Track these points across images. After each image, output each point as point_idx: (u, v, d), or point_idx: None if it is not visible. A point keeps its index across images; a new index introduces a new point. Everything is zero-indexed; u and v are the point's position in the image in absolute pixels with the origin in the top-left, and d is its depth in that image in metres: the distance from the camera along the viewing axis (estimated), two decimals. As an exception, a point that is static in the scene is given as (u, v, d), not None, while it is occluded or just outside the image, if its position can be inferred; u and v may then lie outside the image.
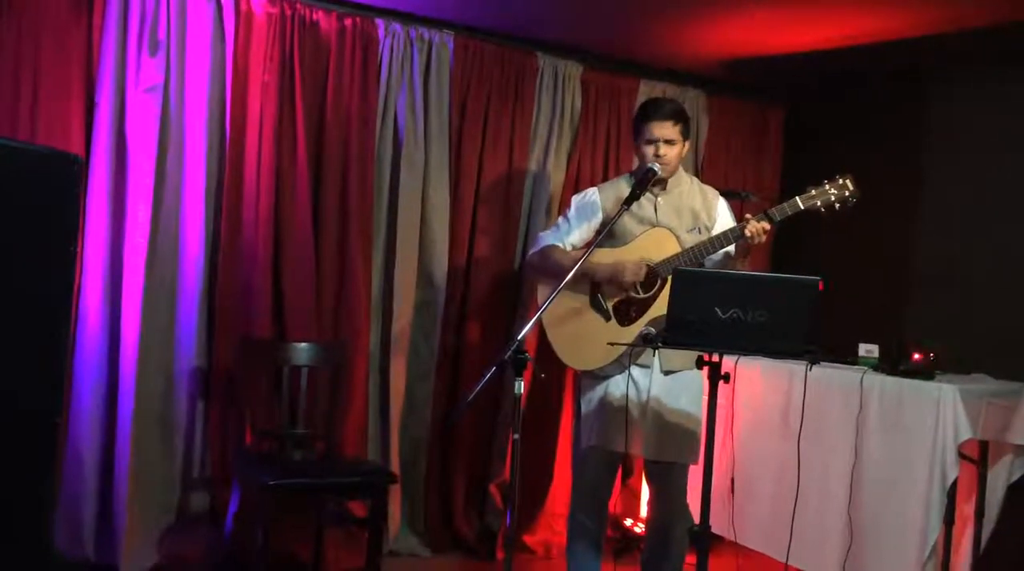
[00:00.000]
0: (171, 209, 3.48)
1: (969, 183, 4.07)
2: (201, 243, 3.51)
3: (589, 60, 4.24)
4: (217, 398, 3.56)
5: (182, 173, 3.49)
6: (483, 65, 4.00)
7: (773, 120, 4.78)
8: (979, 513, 3.26)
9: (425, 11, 3.81)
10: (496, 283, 4.09)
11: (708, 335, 2.46)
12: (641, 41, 4.07)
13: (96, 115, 3.33)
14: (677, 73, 4.46)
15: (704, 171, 4.53)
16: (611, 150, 4.32)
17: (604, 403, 2.98)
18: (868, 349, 3.46)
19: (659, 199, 3.02)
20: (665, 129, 2.93)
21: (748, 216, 2.87)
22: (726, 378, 2.58)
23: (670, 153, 2.94)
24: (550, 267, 3.04)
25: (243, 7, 3.50)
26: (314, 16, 3.65)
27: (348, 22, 3.71)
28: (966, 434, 3.01)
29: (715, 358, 2.57)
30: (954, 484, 3.06)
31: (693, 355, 2.64)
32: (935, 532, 3.02)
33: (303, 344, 3.51)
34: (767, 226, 2.85)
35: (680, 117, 2.97)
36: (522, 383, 2.39)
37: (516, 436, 2.39)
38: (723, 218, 3.06)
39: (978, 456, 3.25)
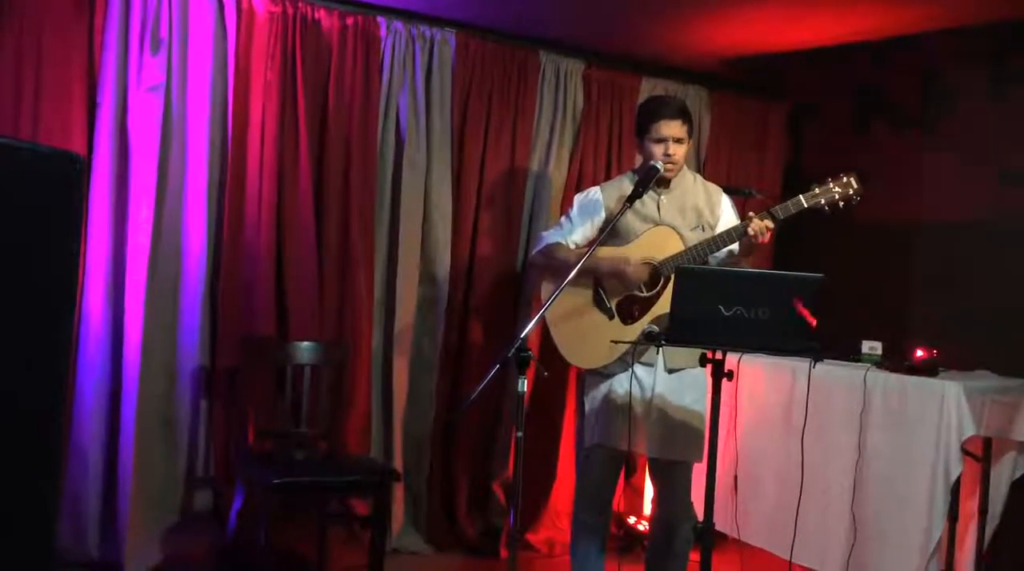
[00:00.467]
0: (173, 208, 3.48)
1: (975, 179, 4.06)
2: (203, 242, 3.51)
3: (591, 58, 4.23)
4: (220, 397, 3.56)
5: (184, 172, 3.49)
6: (485, 63, 3.99)
7: (775, 117, 4.78)
8: (983, 510, 3.26)
9: (427, 9, 3.81)
10: (498, 281, 4.09)
11: (711, 333, 2.46)
12: (643, 38, 4.07)
13: (98, 114, 3.33)
14: (679, 70, 4.45)
15: (706, 168, 4.52)
16: (613, 147, 4.31)
17: (608, 401, 2.97)
18: (871, 346, 3.45)
19: (662, 197, 3.02)
20: (674, 128, 2.91)
21: (751, 214, 2.86)
22: (729, 376, 2.58)
23: (679, 152, 2.93)
24: (554, 265, 3.04)
25: (244, 5, 3.50)
26: (316, 15, 3.65)
27: (350, 20, 3.71)
28: (969, 431, 3.01)
29: (718, 356, 2.56)
30: (957, 481, 3.06)
31: (697, 353, 2.64)
32: (939, 529, 3.02)
33: (306, 343, 3.51)
34: (770, 225, 2.84)
35: (687, 115, 2.96)
36: (525, 381, 2.39)
37: (519, 434, 2.39)
38: (727, 215, 3.05)
39: (981, 453, 3.25)
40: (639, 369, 2.95)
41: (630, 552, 4.03)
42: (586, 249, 2.85)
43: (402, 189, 3.87)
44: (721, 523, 3.36)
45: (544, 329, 3.17)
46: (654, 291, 2.94)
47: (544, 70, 4.14)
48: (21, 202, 1.67)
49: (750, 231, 2.83)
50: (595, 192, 3.12)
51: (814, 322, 2.39)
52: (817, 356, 2.54)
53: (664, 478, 3.03)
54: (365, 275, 3.79)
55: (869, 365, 3.33)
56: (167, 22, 3.39)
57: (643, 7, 3.64)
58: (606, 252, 2.97)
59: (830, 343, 2.62)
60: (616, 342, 2.87)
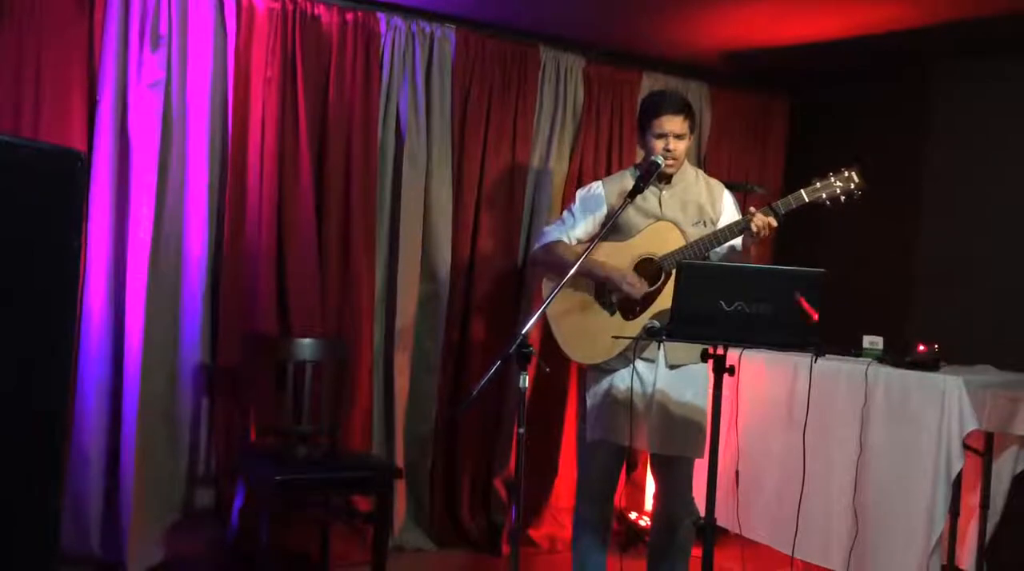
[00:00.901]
0: (174, 205, 3.48)
1: (974, 174, 4.06)
2: (204, 239, 3.51)
3: (591, 53, 4.23)
4: (221, 394, 3.56)
5: (185, 169, 3.48)
6: (485, 59, 3.99)
7: (776, 112, 4.77)
8: (984, 504, 3.26)
9: (427, 5, 3.81)
10: (500, 277, 4.09)
11: (712, 328, 2.46)
12: (643, 34, 4.06)
13: (98, 111, 3.33)
14: (680, 65, 4.45)
15: (707, 164, 4.52)
16: (614, 143, 4.31)
17: (609, 397, 2.97)
18: (873, 341, 3.45)
19: (664, 193, 3.01)
20: (675, 123, 2.90)
21: (752, 209, 2.86)
22: (731, 371, 2.57)
23: (680, 147, 2.92)
24: (554, 262, 3.04)
25: (244, 2, 3.50)
26: (315, 11, 3.64)
27: (349, 16, 3.70)
28: (971, 425, 3.01)
29: (719, 351, 2.56)
30: (959, 475, 3.06)
31: (698, 348, 2.64)
32: (940, 524, 3.02)
33: (307, 340, 3.51)
34: (773, 222, 2.83)
35: (689, 110, 2.95)
36: (526, 377, 2.39)
37: (521, 430, 2.39)
38: (728, 211, 3.04)
39: (983, 447, 3.25)
40: (640, 365, 2.95)
41: (631, 547, 4.04)
42: (587, 245, 2.84)
43: (402, 185, 3.87)
44: (723, 518, 3.36)
45: (545, 325, 3.17)
46: (655, 286, 2.94)
47: (544, 66, 4.13)
48: (22, 200, 1.67)
49: (752, 227, 2.82)
50: (597, 187, 3.12)
51: (815, 316, 2.39)
52: (818, 351, 2.54)
53: (665, 474, 3.03)
54: (366, 272, 3.78)
55: (870, 360, 3.33)
56: (167, 18, 3.39)
57: (644, 2, 3.63)
58: (606, 250, 2.96)
59: (831, 338, 2.62)
60: (617, 338, 2.87)
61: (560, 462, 4.17)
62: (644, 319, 2.94)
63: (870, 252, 4.35)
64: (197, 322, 3.51)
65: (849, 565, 3.21)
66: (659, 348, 2.94)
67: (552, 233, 3.13)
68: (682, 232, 2.95)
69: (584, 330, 3.00)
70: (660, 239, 2.95)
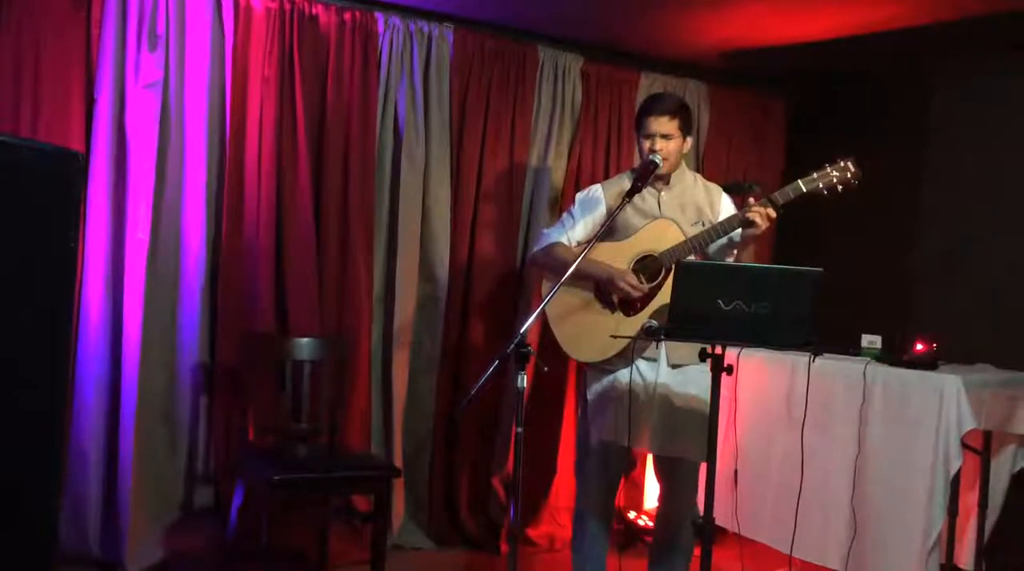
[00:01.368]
0: (172, 205, 3.48)
1: (972, 172, 4.06)
2: (202, 238, 3.50)
3: (589, 52, 4.23)
4: (220, 393, 3.56)
5: (183, 169, 3.48)
6: (483, 58, 3.99)
7: (775, 111, 4.77)
8: (983, 503, 3.27)
9: (424, 4, 3.80)
10: (498, 276, 4.09)
11: (711, 327, 2.46)
12: (641, 32, 4.06)
13: (96, 111, 3.32)
14: (678, 64, 4.45)
15: (705, 162, 4.52)
16: (612, 142, 4.31)
17: (610, 397, 2.97)
18: (871, 340, 3.45)
19: (662, 194, 3.02)
20: (662, 124, 2.93)
21: (751, 201, 2.87)
22: (729, 370, 2.57)
23: (666, 147, 2.94)
24: (553, 264, 3.04)
25: (242, 2, 3.50)
26: (313, 10, 3.64)
27: (347, 16, 3.70)
28: (969, 424, 3.01)
29: (718, 350, 2.56)
30: (957, 474, 3.06)
31: (699, 348, 2.64)
32: (939, 523, 3.02)
33: (305, 339, 3.51)
34: (771, 212, 2.84)
35: (678, 112, 2.96)
36: (525, 376, 2.39)
37: (519, 429, 2.39)
38: (727, 213, 3.04)
39: (981, 446, 3.25)
40: (642, 364, 2.95)
41: (630, 547, 4.04)
42: (583, 248, 2.84)
43: (401, 184, 3.87)
44: (721, 518, 3.36)
45: (544, 325, 3.17)
46: (655, 282, 2.94)
47: (542, 65, 4.13)
48: (19, 199, 1.67)
49: (750, 218, 2.83)
50: (596, 190, 3.13)
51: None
52: (817, 350, 2.54)
53: (669, 475, 3.03)
54: (364, 271, 3.78)
55: (869, 359, 3.33)
56: (164, 18, 3.39)
57: (642, 1, 3.63)
58: (605, 250, 2.96)
59: (830, 337, 2.62)
60: (616, 336, 2.87)
61: (559, 461, 4.17)
62: (644, 316, 2.94)
63: (869, 251, 4.35)
64: (195, 321, 3.51)
65: (848, 564, 3.21)
66: (657, 347, 2.94)
67: (551, 235, 3.13)
68: (681, 229, 2.95)
69: (584, 328, 3.00)
70: (659, 235, 2.96)
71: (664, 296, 2.89)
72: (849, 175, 2.89)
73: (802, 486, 3.02)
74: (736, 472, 3.32)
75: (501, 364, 2.36)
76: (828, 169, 2.90)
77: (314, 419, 3.50)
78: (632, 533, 4.19)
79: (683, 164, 3.08)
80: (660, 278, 2.93)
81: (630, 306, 2.96)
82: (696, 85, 4.50)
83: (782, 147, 4.80)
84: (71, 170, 1.73)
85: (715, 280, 2.48)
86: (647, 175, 2.88)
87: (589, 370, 3.08)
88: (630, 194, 2.81)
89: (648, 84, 4.33)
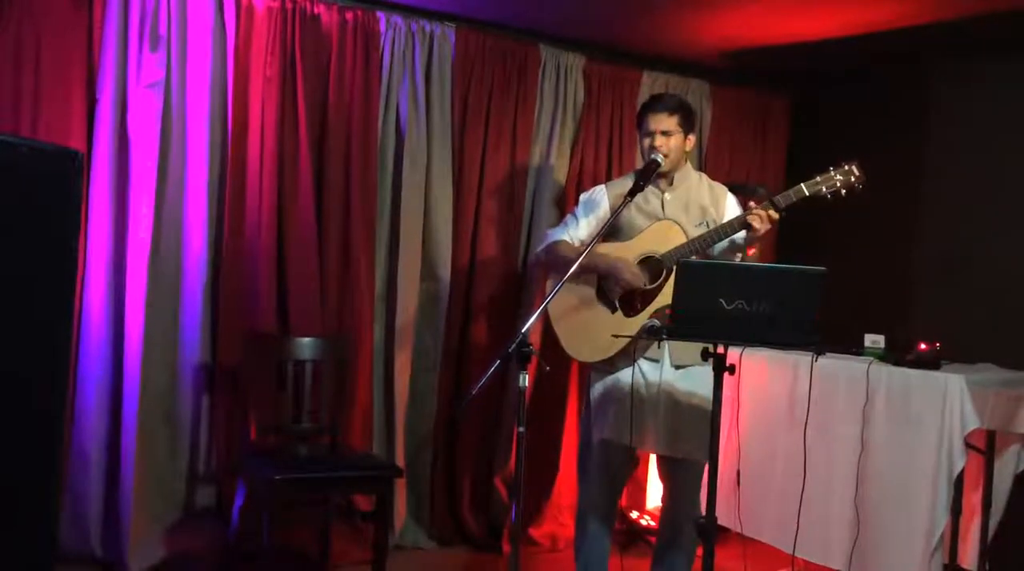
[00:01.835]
0: (174, 205, 3.47)
1: (975, 172, 4.04)
2: (204, 238, 3.50)
3: (591, 51, 4.22)
4: (222, 393, 3.56)
5: (184, 168, 3.48)
6: (485, 57, 3.98)
7: (777, 110, 4.77)
8: (986, 503, 3.25)
9: (426, 4, 3.80)
10: (500, 275, 4.09)
11: (713, 326, 2.45)
12: (643, 31, 4.05)
13: (97, 111, 3.32)
14: (680, 64, 4.44)
15: (707, 161, 4.51)
16: (614, 141, 4.30)
17: (613, 397, 2.97)
18: (874, 340, 3.44)
19: (666, 194, 3.02)
20: (661, 121, 2.94)
21: (752, 204, 2.86)
22: (731, 370, 2.57)
23: (666, 144, 2.94)
24: (556, 262, 3.04)
25: (244, 1, 3.50)
26: (315, 10, 3.64)
27: (349, 15, 3.70)
28: (973, 424, 3.00)
29: (720, 349, 2.56)
30: (961, 474, 3.05)
31: (702, 348, 2.63)
32: (942, 523, 3.01)
33: (307, 339, 3.51)
34: (772, 213, 2.83)
35: (678, 109, 2.96)
36: (526, 376, 2.39)
37: (521, 429, 2.39)
38: (731, 213, 3.04)
39: (985, 446, 3.24)
40: (645, 365, 2.94)
41: (632, 546, 4.03)
42: (586, 246, 2.84)
43: (402, 184, 3.86)
44: (724, 517, 3.36)
45: (546, 324, 3.16)
46: (656, 283, 2.94)
47: (544, 64, 4.13)
48: (20, 199, 1.67)
49: (750, 219, 2.82)
50: (600, 190, 3.14)
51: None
52: (819, 350, 2.53)
53: (673, 476, 3.03)
54: (366, 270, 3.78)
55: (872, 358, 3.32)
56: (166, 18, 3.39)
57: (644, 0, 3.62)
58: (608, 249, 2.96)
59: (832, 337, 2.61)
60: (617, 336, 2.87)
61: (561, 461, 4.16)
62: (645, 317, 2.93)
63: (871, 250, 4.34)
64: (197, 321, 3.51)
65: (851, 564, 3.20)
66: (659, 347, 2.93)
67: (555, 235, 3.14)
68: (684, 230, 2.95)
69: (585, 328, 3.00)
70: (662, 237, 2.95)
71: (665, 297, 2.89)
72: (853, 179, 2.87)
73: (805, 486, 3.01)
74: (739, 472, 3.31)
75: (503, 364, 2.36)
76: (832, 172, 2.88)
77: (316, 419, 3.50)
78: (634, 533, 4.18)
79: (688, 163, 3.08)
80: (661, 279, 2.93)
81: (631, 307, 2.96)
82: (699, 84, 4.50)
83: (784, 146, 4.79)
84: (70, 169, 1.73)
85: (717, 279, 2.48)
86: (649, 174, 2.88)
87: (592, 370, 3.07)
88: (632, 193, 2.80)
89: (650, 83, 4.32)
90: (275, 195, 3.60)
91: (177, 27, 3.41)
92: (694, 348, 2.83)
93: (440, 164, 3.93)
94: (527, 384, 2.40)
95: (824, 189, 2.88)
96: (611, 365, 2.98)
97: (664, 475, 3.09)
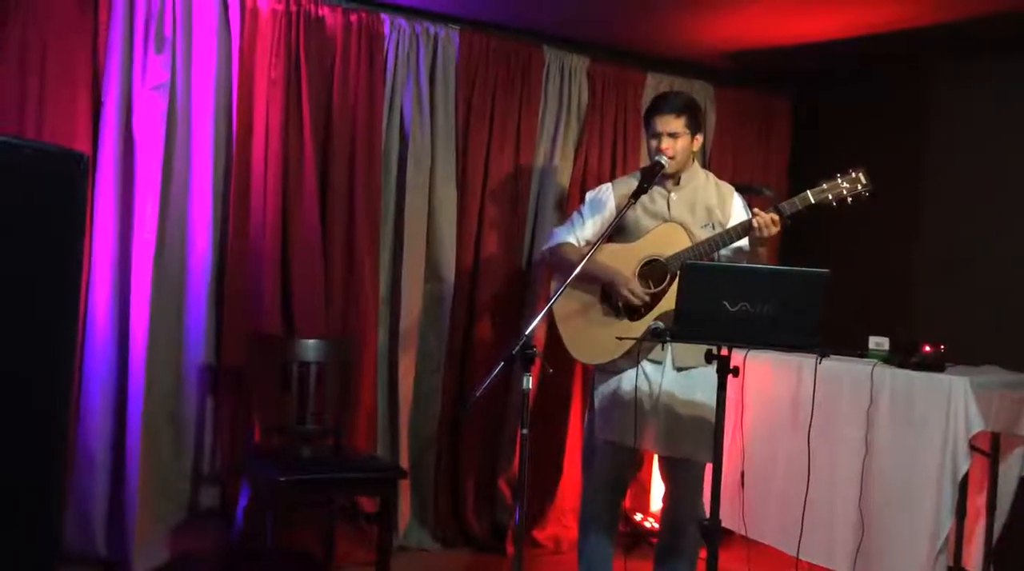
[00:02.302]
0: (179, 206, 3.48)
1: (978, 173, 4.04)
2: (209, 240, 3.51)
3: (595, 53, 4.22)
4: (226, 394, 3.57)
5: (189, 170, 3.49)
6: (489, 59, 3.99)
7: (781, 111, 4.76)
8: (991, 506, 3.25)
9: (430, 6, 3.81)
10: (504, 277, 4.09)
11: (717, 329, 2.45)
12: (646, 33, 4.05)
13: (103, 113, 3.33)
14: (684, 65, 4.44)
15: (711, 163, 4.51)
16: (619, 143, 4.30)
17: (616, 398, 2.97)
18: (878, 342, 3.44)
19: (672, 194, 3.01)
20: (668, 123, 2.93)
21: (756, 210, 2.86)
22: (735, 372, 2.57)
23: (673, 146, 2.93)
24: (560, 264, 3.04)
25: (248, 4, 3.50)
26: (319, 12, 3.64)
27: (353, 18, 3.70)
28: (977, 426, 2.99)
29: (724, 352, 2.55)
30: (965, 477, 3.05)
31: (705, 350, 2.63)
32: (947, 525, 3.01)
33: (311, 340, 3.51)
34: (775, 217, 2.82)
35: (686, 110, 2.95)
36: (530, 378, 2.39)
37: (524, 431, 2.39)
38: (738, 214, 3.03)
39: (989, 448, 3.23)
40: (648, 366, 2.94)
41: (636, 549, 4.03)
42: (590, 248, 2.84)
43: (407, 186, 3.87)
44: (728, 520, 3.36)
45: (550, 326, 3.16)
46: (661, 287, 2.93)
47: (548, 66, 4.13)
48: (24, 201, 1.68)
49: (755, 225, 2.82)
50: (606, 189, 3.13)
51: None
52: (823, 352, 2.53)
53: (674, 476, 3.02)
54: (370, 272, 3.78)
55: (876, 361, 3.32)
56: (171, 21, 3.40)
57: (647, 1, 3.62)
58: (613, 250, 2.96)
59: (836, 339, 2.61)
60: (621, 338, 2.87)
61: (565, 463, 4.16)
62: (649, 320, 2.93)
63: (874, 252, 4.33)
64: (202, 323, 3.51)
65: (855, 567, 3.20)
66: (663, 349, 2.93)
67: (560, 234, 3.14)
68: (689, 233, 2.95)
69: (589, 331, 3.00)
70: (666, 240, 2.95)
71: (668, 301, 2.88)
72: (860, 187, 2.85)
73: (809, 488, 3.01)
74: (743, 474, 3.31)
75: (506, 366, 2.36)
76: (838, 179, 2.86)
77: (320, 420, 3.50)
78: (638, 535, 4.18)
79: (695, 163, 3.07)
80: (665, 283, 2.93)
81: (634, 311, 2.96)
82: (702, 85, 4.50)
83: (787, 147, 4.78)
84: (75, 171, 1.73)
85: (721, 282, 2.47)
86: (653, 176, 2.88)
87: (596, 372, 3.07)
88: (636, 195, 2.80)
89: (654, 84, 4.32)
90: (279, 197, 3.60)
91: (182, 29, 3.42)
92: (697, 350, 2.83)
93: (444, 166, 3.93)
94: (531, 386, 2.40)
95: (830, 196, 2.85)
96: (615, 367, 2.98)
97: (666, 476, 3.09)
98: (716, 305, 2.42)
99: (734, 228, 2.89)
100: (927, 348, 3.23)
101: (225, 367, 3.55)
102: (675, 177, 3.01)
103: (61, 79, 3.23)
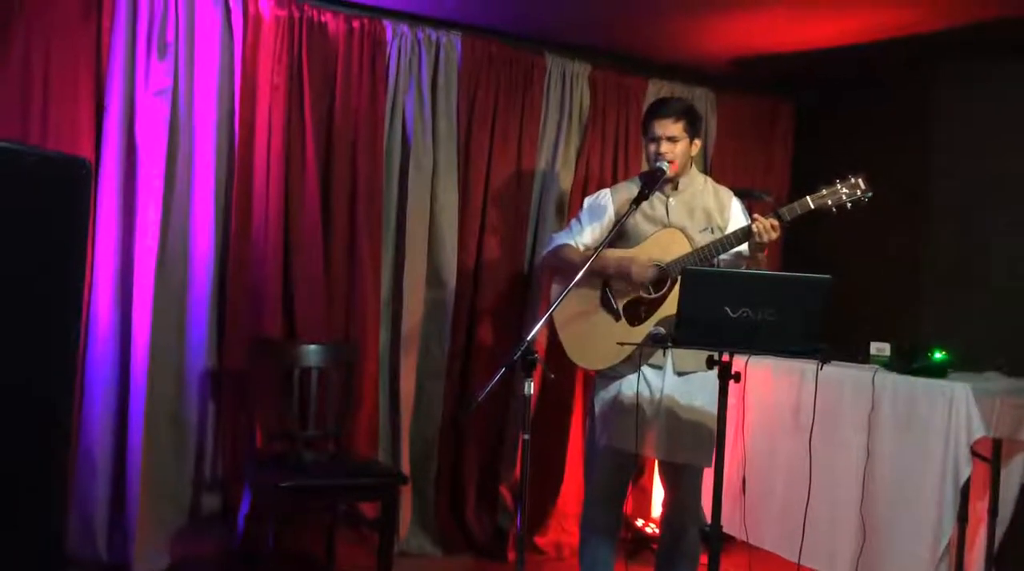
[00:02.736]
0: (181, 212, 3.49)
1: (980, 178, 4.04)
2: (211, 245, 3.52)
3: (597, 59, 4.23)
4: (228, 399, 3.57)
5: (192, 176, 3.50)
6: (491, 65, 4.00)
7: (782, 117, 4.77)
8: (992, 512, 3.25)
9: (433, 12, 3.82)
10: (506, 282, 4.09)
11: (718, 334, 2.45)
12: (648, 39, 4.06)
13: (106, 118, 3.34)
14: (685, 71, 4.45)
15: (713, 169, 4.51)
16: (620, 149, 4.31)
17: (617, 403, 2.97)
18: (880, 347, 3.44)
19: (671, 199, 3.02)
20: (666, 127, 2.93)
21: (756, 215, 2.86)
22: (736, 378, 2.57)
23: (671, 150, 2.93)
24: (562, 266, 3.04)
25: (251, 10, 3.51)
26: (322, 18, 3.65)
27: (356, 24, 3.71)
28: (979, 432, 2.99)
29: (725, 357, 2.55)
30: (967, 482, 3.04)
31: (706, 355, 2.63)
32: (948, 531, 3.00)
33: (313, 345, 3.52)
34: (775, 222, 2.83)
35: (684, 114, 2.96)
36: (531, 383, 2.39)
37: (526, 437, 2.39)
38: (736, 218, 3.03)
39: (991, 454, 3.23)
40: (648, 371, 2.94)
41: (638, 555, 4.02)
42: (594, 251, 2.85)
43: (409, 191, 3.87)
44: (729, 525, 3.34)
45: (551, 331, 3.17)
46: (661, 292, 2.94)
47: (550, 72, 4.14)
48: (28, 206, 1.68)
49: (754, 230, 2.82)
50: (605, 195, 3.14)
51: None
52: (825, 357, 2.52)
53: (673, 481, 3.02)
54: (372, 277, 3.79)
55: (877, 366, 3.32)
56: (174, 26, 3.41)
57: (648, 7, 3.63)
58: (614, 253, 2.96)
59: (838, 344, 2.61)
60: (622, 344, 2.87)
61: (566, 468, 4.16)
62: (649, 325, 2.93)
63: (877, 258, 4.33)
64: (204, 327, 3.52)
65: (856, 572, 3.20)
66: (664, 354, 2.93)
67: (560, 239, 3.14)
68: (688, 239, 2.95)
69: (589, 336, 3.00)
70: (666, 246, 2.95)
71: (669, 306, 2.89)
72: (859, 193, 2.85)
73: (810, 493, 3.01)
74: (744, 480, 3.30)
75: (508, 371, 2.36)
76: (838, 185, 2.86)
77: (321, 425, 3.50)
78: (640, 541, 4.17)
79: (693, 167, 3.08)
80: (666, 289, 2.93)
81: (635, 316, 2.96)
82: (703, 92, 4.50)
83: (789, 153, 4.79)
84: (77, 177, 1.73)
85: (722, 287, 2.47)
86: (654, 182, 2.88)
87: (597, 377, 3.08)
88: (637, 201, 2.80)
89: (656, 91, 4.32)
90: (282, 202, 3.61)
91: (185, 35, 3.43)
92: (697, 355, 2.84)
93: (446, 171, 3.94)
94: (533, 391, 2.40)
95: (830, 202, 2.85)
96: (615, 372, 2.98)
97: (665, 481, 3.09)
98: (718, 311, 2.42)
99: (734, 233, 2.89)
100: (929, 353, 3.22)
101: (227, 371, 3.56)
102: (674, 182, 3.02)
103: (64, 85, 3.24)
